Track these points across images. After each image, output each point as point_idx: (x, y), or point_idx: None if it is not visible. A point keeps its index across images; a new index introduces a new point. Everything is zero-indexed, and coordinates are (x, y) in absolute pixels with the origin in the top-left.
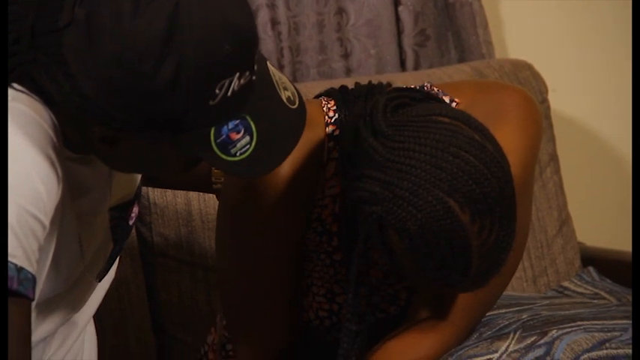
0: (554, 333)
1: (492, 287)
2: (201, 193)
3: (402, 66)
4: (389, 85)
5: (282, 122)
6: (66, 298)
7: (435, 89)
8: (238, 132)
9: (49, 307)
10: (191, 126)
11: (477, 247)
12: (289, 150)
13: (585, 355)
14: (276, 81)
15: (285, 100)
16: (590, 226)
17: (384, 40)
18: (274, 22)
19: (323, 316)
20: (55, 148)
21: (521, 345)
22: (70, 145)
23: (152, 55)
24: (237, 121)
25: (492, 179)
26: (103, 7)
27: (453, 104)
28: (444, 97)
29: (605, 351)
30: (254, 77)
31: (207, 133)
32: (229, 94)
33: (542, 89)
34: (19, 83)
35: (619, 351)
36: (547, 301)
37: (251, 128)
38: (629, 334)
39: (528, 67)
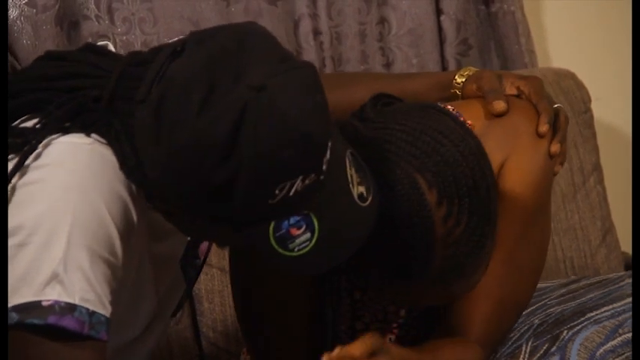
0: (565, 334)
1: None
2: None
3: None
4: None
5: (347, 221)
6: (142, 338)
7: (450, 108)
8: (299, 228)
9: (129, 349)
10: (248, 222)
11: (441, 235)
12: (350, 251)
13: (601, 350)
14: (351, 175)
15: (356, 197)
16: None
17: (426, 49)
18: (316, 33)
19: None
20: (131, 192)
21: (535, 358)
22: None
23: (211, 155)
24: (300, 218)
25: (466, 169)
26: (175, 94)
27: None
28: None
29: (619, 338)
30: (322, 177)
31: (266, 227)
32: (291, 194)
33: (585, 99)
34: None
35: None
36: (564, 290)
37: (313, 225)
38: None
39: (571, 76)
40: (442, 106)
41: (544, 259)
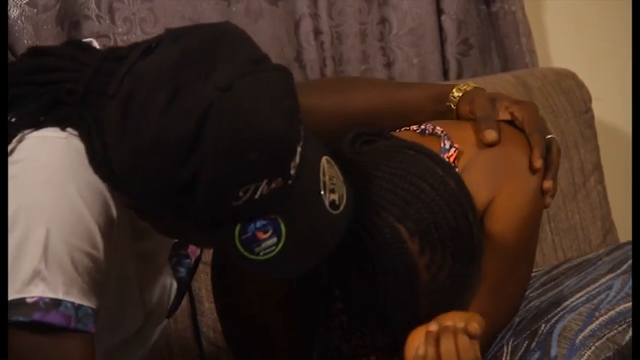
0: (543, 328)
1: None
2: None
3: (445, 75)
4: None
5: (316, 228)
6: (138, 338)
7: (439, 130)
8: (266, 232)
9: (125, 347)
10: (213, 222)
11: (425, 282)
12: (316, 259)
13: (580, 337)
14: (325, 182)
15: (327, 205)
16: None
17: (426, 49)
18: (317, 32)
19: None
20: (109, 188)
21: (517, 357)
22: None
23: (174, 153)
24: (266, 222)
25: (447, 212)
26: (143, 91)
27: (452, 150)
28: (445, 142)
29: (597, 322)
30: (290, 182)
31: (232, 229)
32: (256, 196)
33: (585, 98)
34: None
35: (610, 314)
36: (545, 278)
37: (280, 230)
38: (614, 291)
39: (572, 76)
40: (433, 128)
41: (529, 277)
